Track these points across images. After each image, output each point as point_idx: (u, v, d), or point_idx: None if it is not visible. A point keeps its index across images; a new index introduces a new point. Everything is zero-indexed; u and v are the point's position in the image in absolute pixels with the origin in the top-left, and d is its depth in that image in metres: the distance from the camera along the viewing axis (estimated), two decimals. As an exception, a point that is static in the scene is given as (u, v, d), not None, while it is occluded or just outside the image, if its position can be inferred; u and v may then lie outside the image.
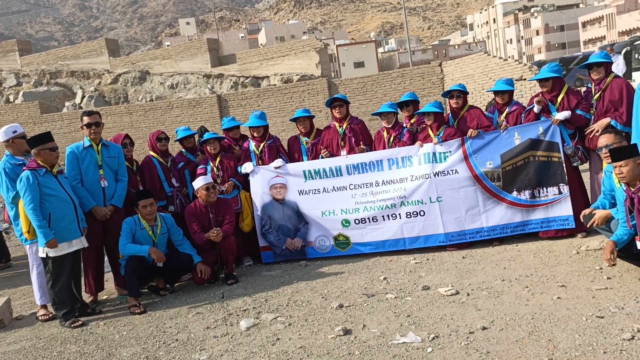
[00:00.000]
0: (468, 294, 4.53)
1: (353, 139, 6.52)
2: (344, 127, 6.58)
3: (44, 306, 5.38)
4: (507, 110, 6.09)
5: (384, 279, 5.25)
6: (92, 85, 28.31)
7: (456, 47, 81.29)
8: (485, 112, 6.31)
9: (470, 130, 5.95)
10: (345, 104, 6.66)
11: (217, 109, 21.19)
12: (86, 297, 5.66)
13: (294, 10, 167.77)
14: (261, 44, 72.35)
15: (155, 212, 5.63)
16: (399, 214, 6.09)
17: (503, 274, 4.94)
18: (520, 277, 4.79)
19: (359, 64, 62.56)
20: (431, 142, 6.04)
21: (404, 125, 6.57)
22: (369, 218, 6.17)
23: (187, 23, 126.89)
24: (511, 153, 5.83)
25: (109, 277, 6.11)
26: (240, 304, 5.05)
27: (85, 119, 5.63)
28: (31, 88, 28.19)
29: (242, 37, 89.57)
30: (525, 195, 5.82)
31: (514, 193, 5.84)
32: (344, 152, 6.50)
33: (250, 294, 5.33)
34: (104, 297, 5.97)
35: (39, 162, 5.06)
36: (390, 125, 6.44)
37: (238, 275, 6.03)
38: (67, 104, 27.06)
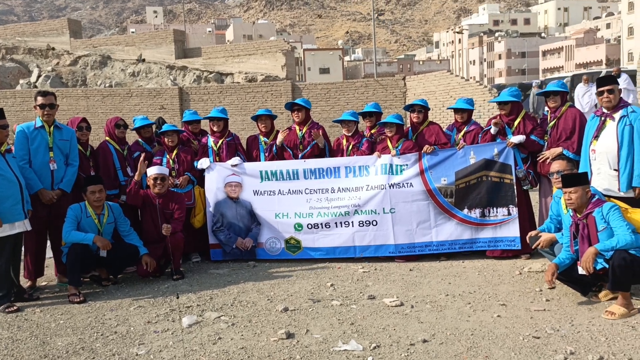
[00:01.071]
0: (412, 306, 4.60)
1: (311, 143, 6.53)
2: (304, 131, 6.60)
3: None
4: (465, 129, 6.23)
5: (331, 285, 5.27)
6: (50, 65, 27.38)
7: (421, 62, 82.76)
8: (443, 130, 6.44)
9: (426, 146, 6.06)
10: (304, 109, 6.66)
11: (178, 102, 20.86)
12: (24, 282, 5.46)
13: (264, 10, 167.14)
14: (228, 41, 71.70)
15: (104, 200, 5.48)
16: (352, 222, 6.13)
17: (447, 288, 5.04)
18: (464, 293, 4.90)
19: (325, 70, 62.86)
20: (389, 153, 6.12)
21: (364, 134, 6.64)
22: (321, 224, 6.18)
23: (155, 12, 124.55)
24: (465, 171, 5.97)
25: (49, 263, 5.91)
26: (185, 301, 4.96)
27: (40, 99, 5.44)
28: (-16, 61, 27.04)
29: (209, 31, 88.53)
30: (475, 213, 5.96)
31: (465, 210, 5.97)
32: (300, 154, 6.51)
33: (195, 291, 5.25)
34: (43, 284, 5.76)
35: (-14, 139, 4.84)
36: (350, 134, 6.49)
37: (185, 271, 5.94)
38: (21, 81, 26.07)
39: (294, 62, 28.76)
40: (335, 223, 6.16)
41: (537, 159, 5.86)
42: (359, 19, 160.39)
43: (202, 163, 6.41)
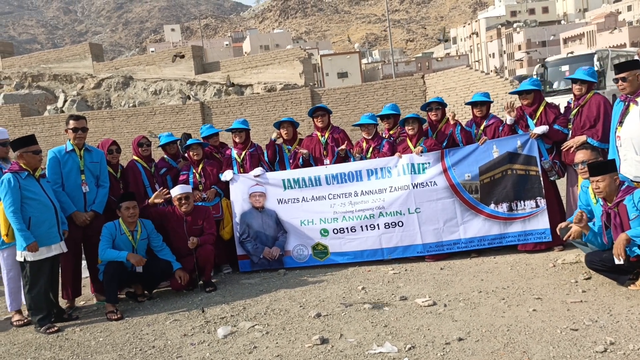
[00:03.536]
0: (445, 305, 4.57)
1: (335, 149, 6.56)
2: (326, 136, 6.63)
3: (18, 311, 5.30)
4: (484, 123, 6.19)
5: (362, 288, 5.27)
6: (75, 90, 28.04)
7: (439, 59, 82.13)
8: (463, 125, 6.41)
9: (418, 147, 6.03)
10: (327, 114, 6.72)
11: (200, 116, 21.15)
12: (63, 303, 5.59)
13: (279, 20, 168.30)
14: (246, 52, 72.35)
15: (137, 215, 5.59)
16: (378, 225, 6.13)
17: (480, 285, 5.00)
18: (497, 289, 4.85)
19: (343, 75, 62.84)
20: (410, 153, 6.10)
21: (384, 136, 6.64)
22: (347, 228, 6.19)
23: (172, 30, 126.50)
24: (489, 166, 5.92)
25: (86, 283, 6.04)
26: (218, 312, 5.03)
27: (72, 123, 5.58)
28: (12, 91, 27.83)
29: (226, 45, 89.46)
30: (502, 207, 5.90)
31: (492, 205, 5.92)
32: (326, 161, 6.54)
33: (228, 302, 5.31)
34: (81, 303, 5.90)
35: (22, 165, 5.00)
36: (370, 137, 6.49)
37: (217, 282, 6.01)
38: (48, 107, 26.75)
39: (312, 68, 28.86)
40: (361, 226, 6.16)
41: (561, 148, 5.77)
42: (374, 21, 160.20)
43: (226, 175, 6.49)
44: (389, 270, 5.84)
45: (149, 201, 5.85)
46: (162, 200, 5.90)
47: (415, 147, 6.13)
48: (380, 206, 6.11)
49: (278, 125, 6.83)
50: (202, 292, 5.74)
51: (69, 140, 5.61)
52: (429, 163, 6.02)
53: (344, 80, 57.38)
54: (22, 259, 4.96)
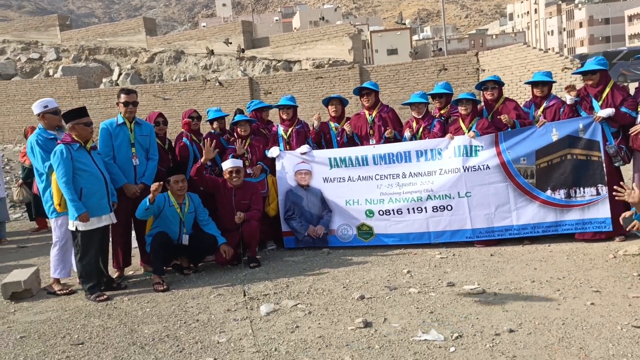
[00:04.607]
0: (495, 294, 4.40)
1: (382, 128, 6.39)
2: (374, 115, 6.46)
3: (58, 280, 5.43)
4: (544, 104, 5.86)
5: (408, 272, 5.15)
6: (129, 63, 28.59)
7: (494, 37, 79.40)
8: (521, 106, 6.09)
9: (504, 115, 5.74)
10: (373, 92, 6.51)
11: (249, 91, 21.21)
12: (112, 272, 5.72)
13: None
14: (295, 28, 71.99)
15: (186, 189, 5.64)
16: (425, 208, 5.95)
17: (533, 274, 4.79)
18: (552, 279, 4.63)
19: (393, 51, 61.60)
20: (463, 134, 5.86)
21: (435, 115, 6.39)
22: (393, 210, 6.04)
23: (224, 4, 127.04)
24: (547, 150, 5.63)
25: (136, 253, 6.17)
26: (262, 289, 5.02)
27: (123, 97, 5.63)
28: (70, 63, 28.64)
29: (276, 20, 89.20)
30: (560, 194, 5.61)
31: (548, 191, 5.64)
32: (372, 140, 6.38)
33: (271, 279, 5.30)
34: (130, 273, 6.03)
35: (74, 136, 5.09)
36: (420, 116, 6.28)
37: (261, 259, 6.01)
38: (104, 80, 27.42)
39: (361, 45, 28.39)
40: (408, 209, 6.00)
41: (630, 133, 5.41)
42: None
43: (272, 152, 6.44)
44: (435, 254, 5.68)
45: (202, 160, 5.86)
46: (215, 154, 5.91)
47: (468, 128, 5.89)
48: (429, 189, 5.92)
49: (327, 101, 6.70)
50: (246, 267, 5.76)
51: (120, 113, 5.67)
52: (482, 146, 5.77)
53: (393, 57, 56.26)
54: (73, 229, 5.08)
